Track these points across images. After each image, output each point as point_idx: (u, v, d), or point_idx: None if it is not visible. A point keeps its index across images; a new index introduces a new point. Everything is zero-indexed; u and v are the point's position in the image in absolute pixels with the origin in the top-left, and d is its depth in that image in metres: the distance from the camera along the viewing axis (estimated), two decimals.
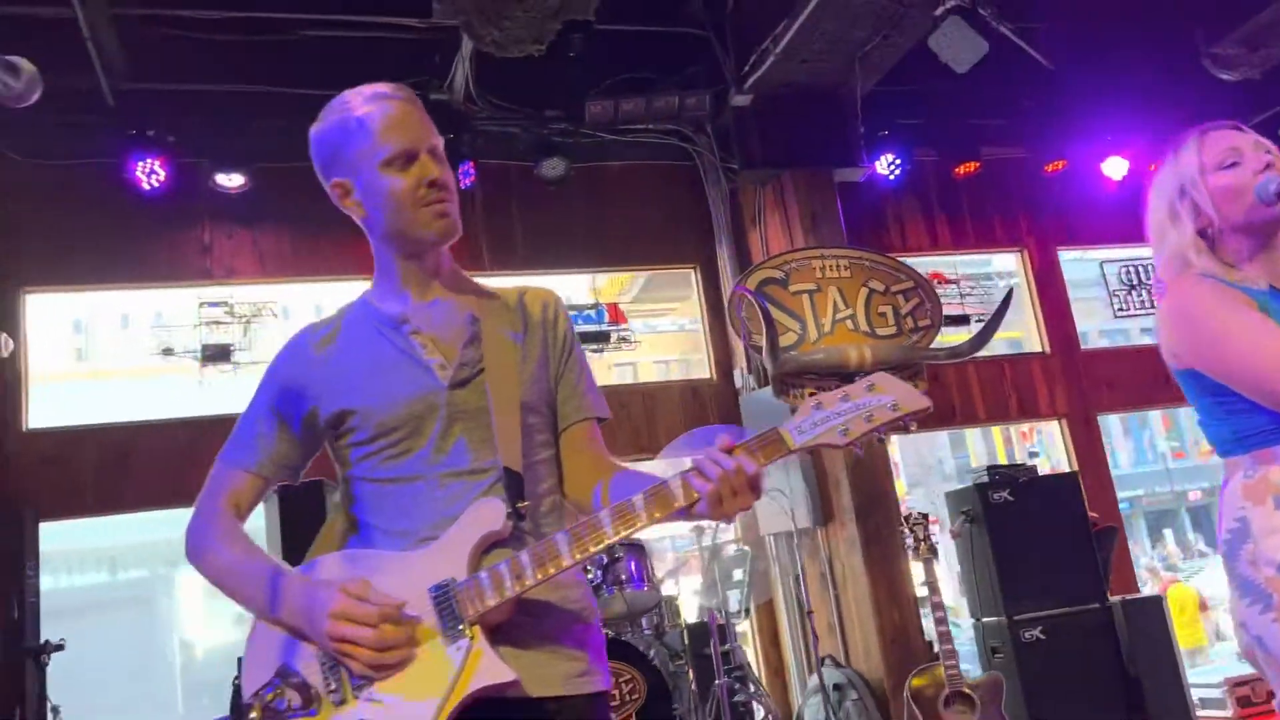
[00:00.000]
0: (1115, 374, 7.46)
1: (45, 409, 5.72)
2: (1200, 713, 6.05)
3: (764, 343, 5.73)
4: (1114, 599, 6.07)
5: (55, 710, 5.09)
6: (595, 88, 6.17)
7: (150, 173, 5.48)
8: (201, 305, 5.91)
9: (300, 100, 5.62)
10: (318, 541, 1.84)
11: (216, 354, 5.82)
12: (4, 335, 5.38)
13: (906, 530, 4.35)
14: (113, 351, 6.02)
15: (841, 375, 5.91)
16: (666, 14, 6.20)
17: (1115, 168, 7.17)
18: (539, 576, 1.58)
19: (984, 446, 13.80)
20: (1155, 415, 17.73)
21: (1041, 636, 5.68)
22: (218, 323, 5.90)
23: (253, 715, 1.60)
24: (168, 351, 5.85)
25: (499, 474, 1.70)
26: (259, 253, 6.08)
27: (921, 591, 5.68)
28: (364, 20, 5.66)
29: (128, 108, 5.62)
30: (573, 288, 6.92)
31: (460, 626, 1.58)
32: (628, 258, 7.04)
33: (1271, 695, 6.24)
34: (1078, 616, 5.80)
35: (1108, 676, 5.76)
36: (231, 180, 5.74)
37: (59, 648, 4.68)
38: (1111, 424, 7.42)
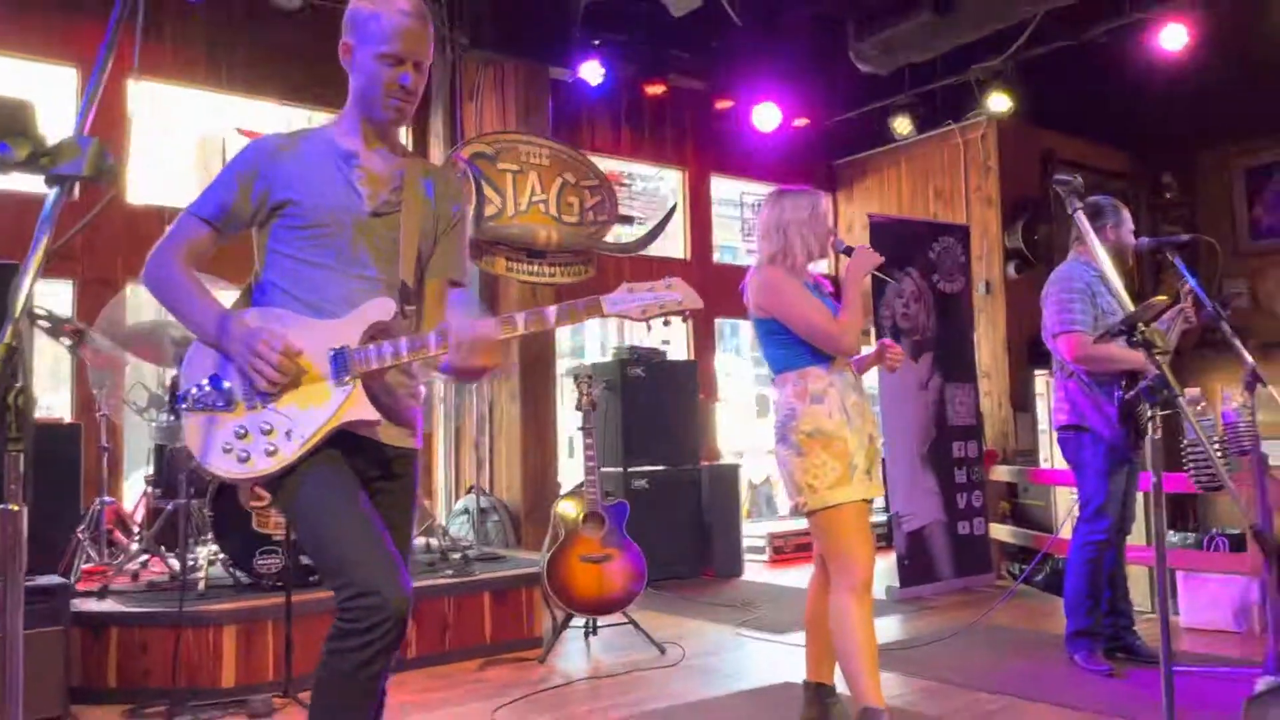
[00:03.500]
0: (734, 286, 8.71)
1: None
2: (746, 556, 7.44)
3: (471, 209, 6.31)
4: (704, 464, 7.42)
5: None
6: None
7: None
8: None
9: None
10: (240, 298, 2.25)
11: None
12: None
13: (574, 385, 5.07)
14: None
15: (530, 250, 6.63)
16: None
17: (766, 117, 8.18)
18: (407, 359, 2.08)
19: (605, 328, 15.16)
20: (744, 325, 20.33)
21: (646, 486, 6.82)
22: None
23: (185, 404, 2.08)
24: None
25: (395, 284, 2.16)
26: None
27: (569, 438, 6.58)
28: None
29: None
30: (285, 119, 6.91)
31: (348, 377, 2.06)
32: (336, 104, 7.14)
33: (797, 547, 7.95)
34: (675, 474, 7.00)
35: (680, 521, 6.98)
36: None
37: None
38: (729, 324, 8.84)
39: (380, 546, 2.01)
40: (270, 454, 2.02)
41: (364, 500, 2.10)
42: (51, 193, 1.31)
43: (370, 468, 2.17)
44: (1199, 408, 3.37)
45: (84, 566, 4.75)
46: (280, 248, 2.16)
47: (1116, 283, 2.94)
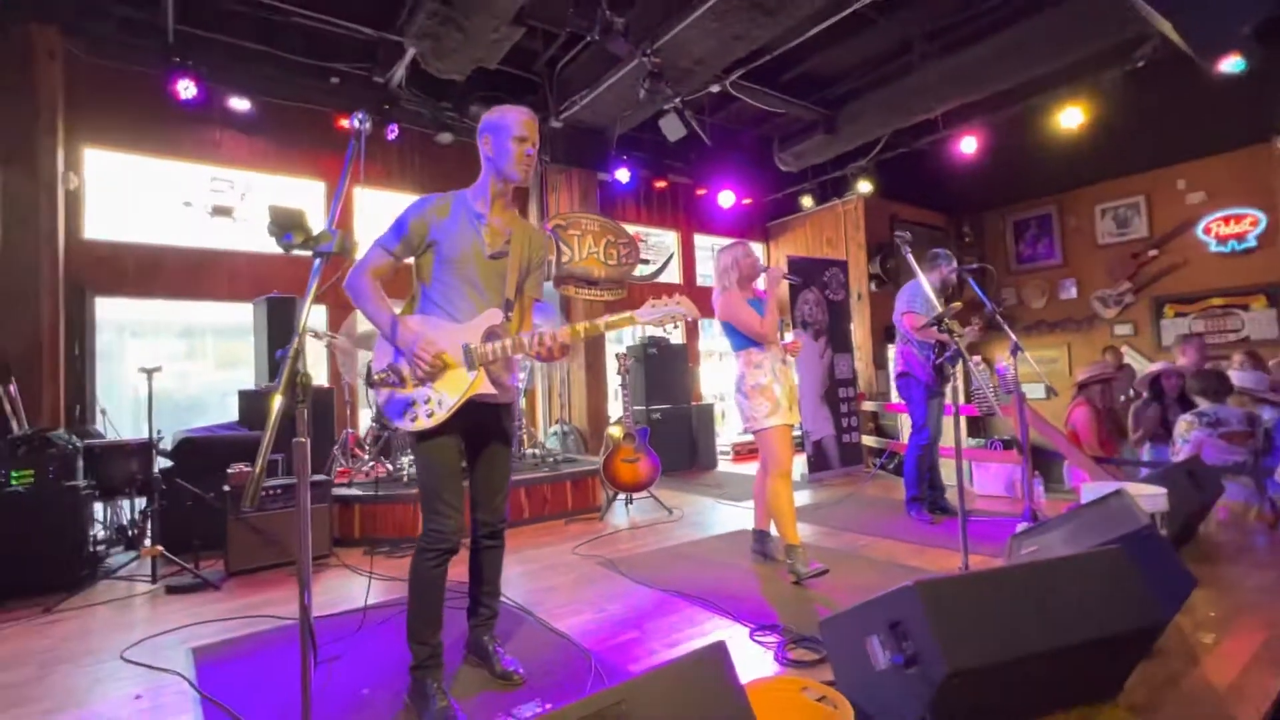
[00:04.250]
0: (710, 299, 8.73)
1: (99, 226, 5.00)
2: (719, 456, 7.49)
3: (554, 258, 6.32)
4: (693, 404, 7.47)
5: (104, 411, 4.82)
6: (474, 95, 6.23)
7: (186, 88, 4.93)
8: (213, 180, 5.43)
9: (291, 61, 5.31)
10: (406, 304, 2.08)
11: (222, 210, 5.43)
12: (71, 173, 4.75)
13: (617, 360, 5.09)
14: (149, 198, 5.35)
15: (588, 281, 6.65)
16: (521, 63, 6.22)
17: (726, 198, 8.02)
18: (511, 354, 1.97)
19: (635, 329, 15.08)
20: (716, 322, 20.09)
21: (660, 418, 6.84)
22: (222, 192, 5.48)
23: (376, 378, 1.98)
24: (188, 204, 5.36)
25: (502, 301, 2.06)
26: (252, 152, 5.61)
27: (616, 390, 6.62)
28: (335, 20, 5.25)
29: (180, 42, 4.94)
30: None
31: (475, 365, 1.96)
32: None
33: (749, 451, 7.90)
34: (676, 410, 6.97)
35: (679, 438, 6.95)
36: (241, 104, 5.28)
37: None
38: (706, 322, 8.77)
39: (458, 501, 1.93)
40: (429, 416, 1.94)
41: (462, 465, 1.99)
42: (316, 261, 1.34)
43: (488, 421, 2.07)
44: (980, 367, 3.35)
45: (338, 469, 4.86)
46: (432, 272, 2.02)
47: (932, 294, 2.94)
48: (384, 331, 1.96)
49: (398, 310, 2.06)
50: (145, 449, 3.75)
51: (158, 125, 5.19)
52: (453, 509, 1.96)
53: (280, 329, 4.83)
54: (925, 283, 2.83)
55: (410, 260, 2.07)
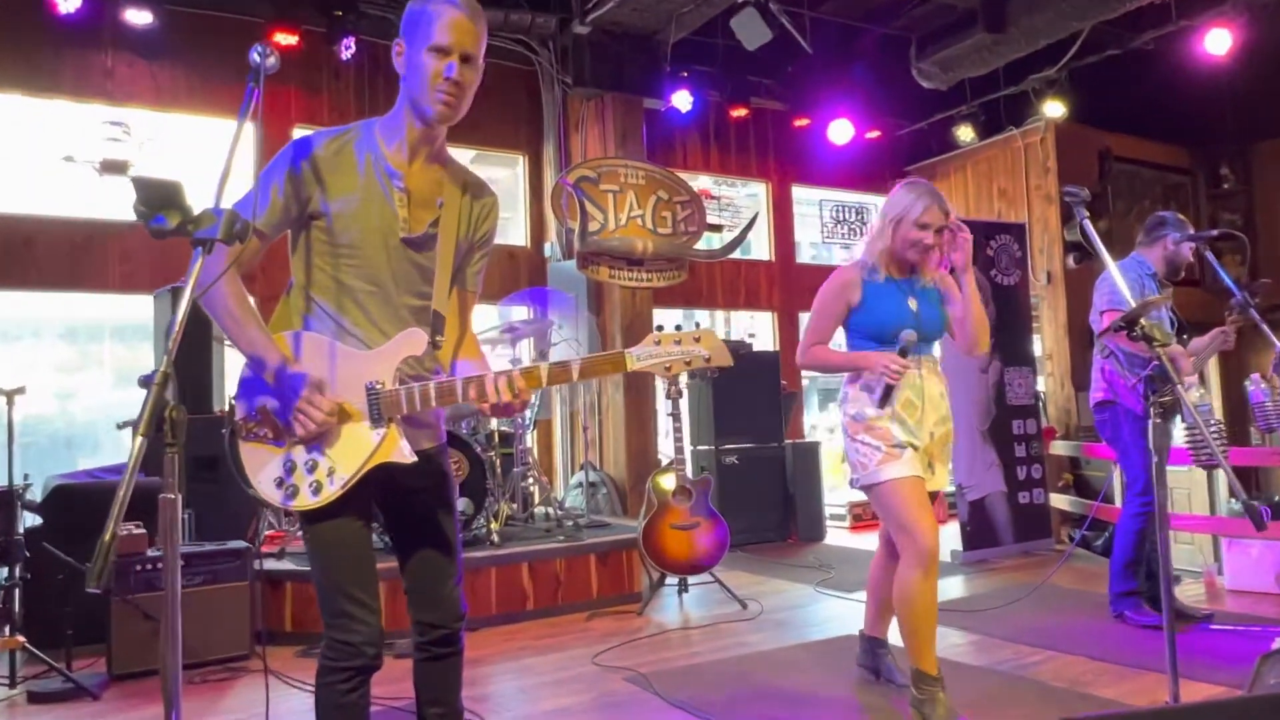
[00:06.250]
0: (817, 283, 8.67)
1: None
2: (828, 523, 7.50)
3: (576, 226, 6.48)
4: (788, 442, 7.45)
5: None
6: None
7: None
8: (104, 124, 5.85)
9: None
10: (281, 309, 2.04)
11: (114, 166, 5.84)
12: None
13: (668, 381, 5.15)
14: (16, 151, 5.79)
15: (629, 259, 6.77)
16: None
17: (841, 132, 8.05)
18: (435, 405, 1.90)
19: (708, 324, 15.17)
20: None
21: (736, 462, 6.90)
22: (116, 140, 5.89)
23: (237, 426, 1.92)
24: (69, 159, 5.78)
25: (428, 313, 1.98)
26: (156, 84, 6.01)
27: (666, 421, 6.71)
28: None
29: None
30: None
31: (383, 417, 1.89)
32: (469, 139, 7.02)
33: (874, 515, 7.81)
34: (761, 451, 7.02)
35: (765, 493, 7.04)
36: (140, 16, 5.67)
37: None
38: (805, 320, 8.71)
39: (371, 597, 1.96)
40: (315, 491, 1.90)
41: (374, 545, 2.03)
42: (195, 251, 1.47)
43: (409, 474, 1.99)
44: (1199, 394, 3.25)
45: (266, 533, 5.08)
46: (321, 264, 1.96)
47: (1124, 285, 2.87)
48: (266, 368, 1.88)
49: (283, 318, 2.03)
50: (5, 501, 4.06)
51: (28, 52, 5.61)
52: (365, 609, 1.94)
53: (188, 331, 5.13)
54: (1115, 270, 2.78)
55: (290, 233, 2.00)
